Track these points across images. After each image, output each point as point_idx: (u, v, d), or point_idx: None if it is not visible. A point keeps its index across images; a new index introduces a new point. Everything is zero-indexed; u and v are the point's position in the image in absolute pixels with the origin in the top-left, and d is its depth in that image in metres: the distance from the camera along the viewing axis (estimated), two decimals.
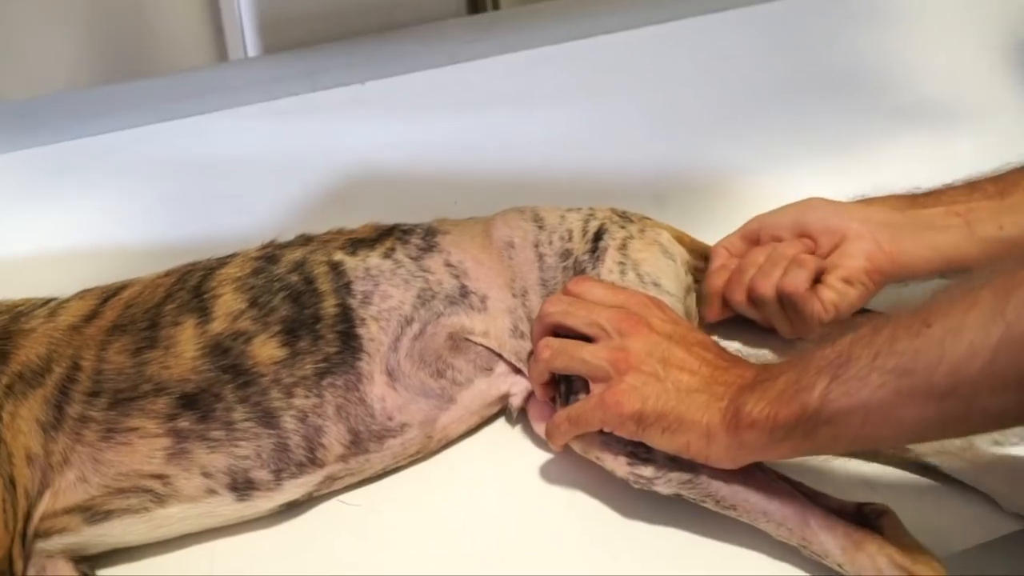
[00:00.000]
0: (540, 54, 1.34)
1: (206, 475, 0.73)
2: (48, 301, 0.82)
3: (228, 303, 0.79)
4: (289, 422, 0.75)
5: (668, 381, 0.69)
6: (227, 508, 0.74)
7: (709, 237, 0.93)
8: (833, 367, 0.61)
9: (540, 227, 0.87)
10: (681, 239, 0.91)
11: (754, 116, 1.21)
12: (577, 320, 0.75)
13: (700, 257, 0.92)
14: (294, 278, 0.81)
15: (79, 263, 1.02)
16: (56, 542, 0.71)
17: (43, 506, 0.71)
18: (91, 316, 0.79)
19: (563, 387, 0.77)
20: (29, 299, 0.82)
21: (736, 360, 0.72)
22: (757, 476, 0.70)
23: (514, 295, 0.84)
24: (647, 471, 0.72)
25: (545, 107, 1.24)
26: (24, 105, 1.30)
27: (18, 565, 0.69)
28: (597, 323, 0.74)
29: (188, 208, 1.11)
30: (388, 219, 0.89)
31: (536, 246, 0.86)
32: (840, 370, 0.60)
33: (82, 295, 0.83)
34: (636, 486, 0.73)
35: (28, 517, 0.70)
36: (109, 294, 0.82)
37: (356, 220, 0.89)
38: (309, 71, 1.28)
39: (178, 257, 0.87)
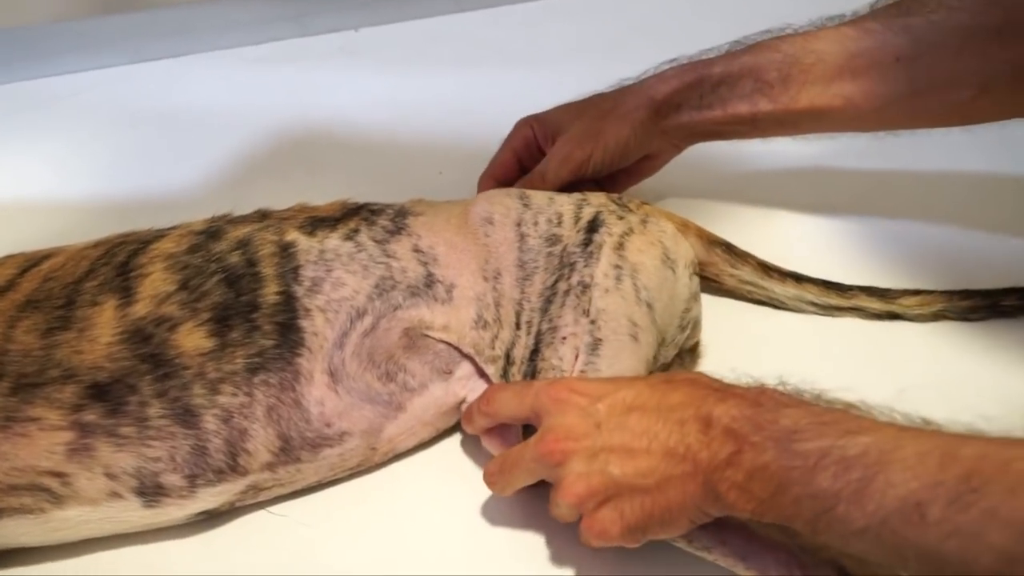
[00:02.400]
0: (555, 4, 1.29)
1: (110, 476, 0.70)
2: None
3: (155, 284, 0.75)
4: (210, 422, 0.72)
5: (627, 480, 0.64)
6: (133, 514, 0.71)
7: (719, 200, 0.92)
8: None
9: (526, 206, 0.83)
10: (686, 227, 0.87)
11: None
12: (511, 479, 0.71)
13: (710, 246, 0.88)
14: (234, 259, 0.77)
15: (15, 219, 1.00)
16: None
17: None
18: (6, 288, 0.76)
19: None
20: None
21: (689, 412, 0.64)
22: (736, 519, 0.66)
23: (485, 278, 0.79)
24: None
25: (556, 65, 1.19)
26: None
27: None
28: (529, 470, 0.70)
29: (147, 163, 1.08)
30: (364, 186, 0.86)
31: (518, 224, 0.82)
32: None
33: (2, 261, 0.80)
34: None
35: None
36: (31, 263, 0.79)
37: (330, 185, 0.87)
38: (298, 13, 1.24)
39: (129, 220, 0.84)
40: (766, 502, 0.58)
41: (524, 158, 0.96)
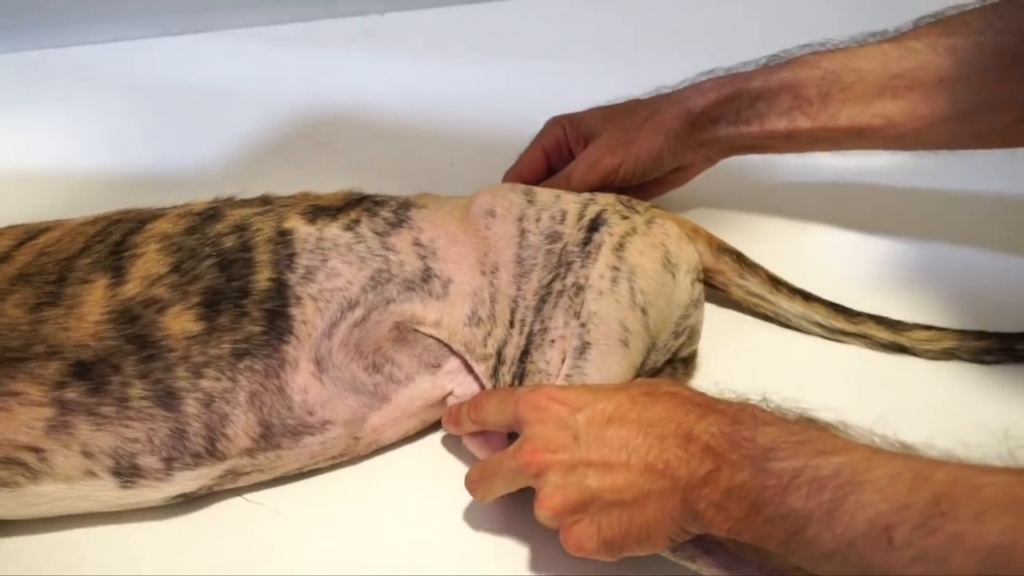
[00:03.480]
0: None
1: (87, 454, 0.71)
2: None
3: (147, 264, 0.76)
4: (191, 406, 0.72)
5: (605, 495, 0.64)
6: (107, 494, 0.72)
7: (737, 208, 0.90)
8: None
9: (530, 201, 0.83)
10: (696, 233, 0.86)
11: None
12: (492, 486, 0.71)
13: (719, 253, 0.87)
14: (229, 243, 0.78)
15: (26, 187, 1.01)
16: None
17: None
18: (1, 260, 0.77)
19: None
20: None
21: (669, 427, 0.64)
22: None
23: (483, 272, 0.79)
24: None
25: (579, 62, 1.18)
26: None
27: None
28: (510, 481, 0.69)
29: (161, 139, 1.09)
30: (375, 172, 0.86)
31: (520, 220, 0.81)
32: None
33: (2, 232, 0.81)
34: None
35: None
36: (29, 236, 0.79)
37: (342, 170, 0.87)
38: None
39: (138, 195, 0.85)
40: (742, 521, 0.58)
41: (553, 158, 0.95)
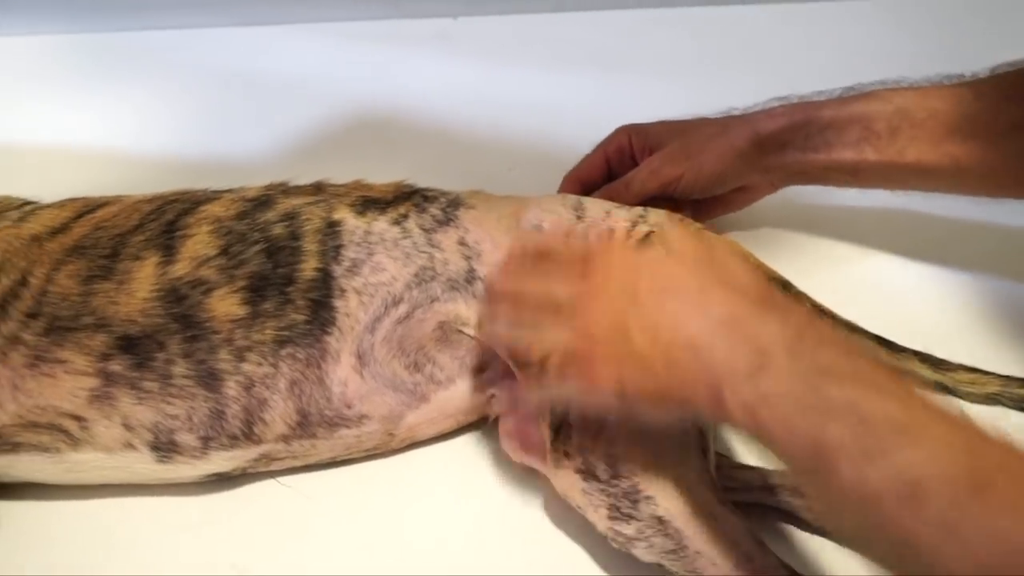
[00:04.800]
0: (659, 16, 1.28)
1: (127, 427, 0.73)
2: (26, 204, 0.83)
3: (197, 246, 0.78)
4: (232, 388, 0.74)
5: (641, 350, 0.62)
6: (145, 466, 0.74)
7: (791, 231, 0.91)
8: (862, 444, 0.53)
9: (579, 217, 0.83)
10: (745, 260, 0.85)
11: None
12: (524, 334, 0.69)
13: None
14: (278, 230, 0.79)
15: (93, 163, 1.04)
16: None
17: None
18: (59, 230, 0.79)
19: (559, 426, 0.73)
20: (9, 198, 0.83)
21: (727, 314, 0.61)
22: (754, 562, 0.66)
23: None
24: (628, 530, 0.68)
25: (649, 75, 1.19)
26: None
27: None
28: (550, 304, 0.67)
29: (227, 125, 1.12)
30: (433, 172, 0.87)
31: (567, 236, 0.81)
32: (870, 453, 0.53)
33: (62, 204, 0.83)
34: (615, 545, 0.69)
35: None
36: (87, 209, 0.81)
37: (400, 167, 0.87)
38: None
39: (199, 178, 0.86)
40: (765, 429, 0.56)
41: (615, 164, 0.96)
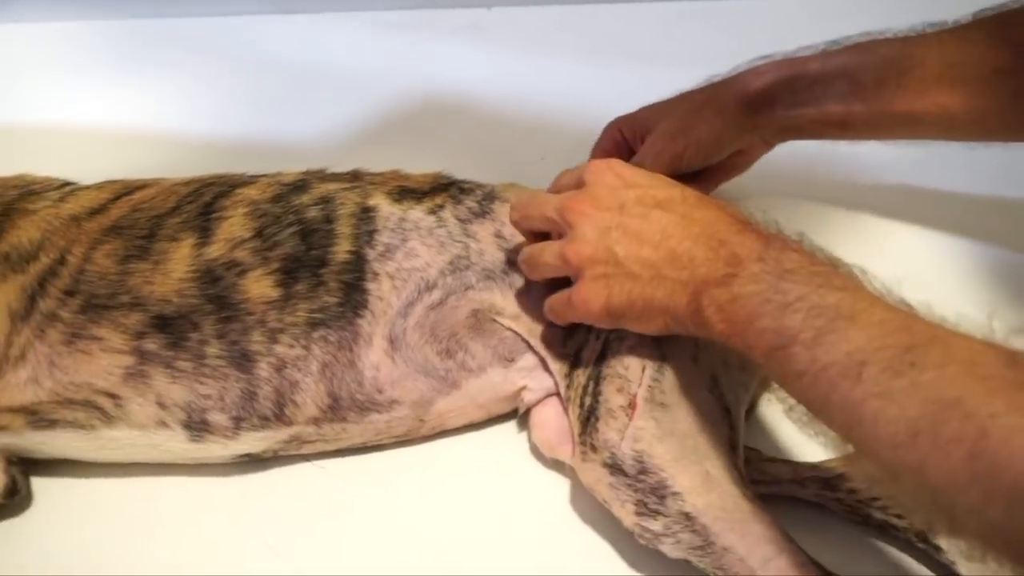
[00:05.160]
0: (694, 8, 1.28)
1: (161, 405, 0.74)
2: (66, 184, 0.84)
3: (233, 228, 0.78)
4: (264, 369, 0.74)
5: (627, 263, 0.69)
6: (177, 445, 0.75)
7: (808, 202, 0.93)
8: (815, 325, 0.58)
9: None
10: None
11: None
12: (533, 222, 0.76)
13: None
14: (313, 213, 0.79)
15: (133, 146, 1.05)
16: None
17: None
18: (97, 210, 0.80)
19: (591, 389, 0.74)
20: (50, 179, 0.85)
21: (708, 230, 0.67)
22: (782, 558, 0.65)
23: None
24: (655, 526, 0.68)
25: (681, 68, 1.17)
26: None
27: None
28: (548, 218, 0.74)
29: (265, 112, 1.13)
30: (466, 161, 0.87)
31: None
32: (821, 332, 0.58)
33: (101, 186, 0.84)
34: (642, 541, 0.69)
35: None
36: (125, 191, 0.82)
37: (434, 155, 0.88)
38: None
39: (236, 163, 0.87)
40: (737, 325, 0.62)
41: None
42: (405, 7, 1.26)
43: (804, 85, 0.88)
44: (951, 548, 0.70)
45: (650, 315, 0.68)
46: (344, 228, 0.79)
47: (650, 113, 0.94)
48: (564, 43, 1.24)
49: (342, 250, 0.78)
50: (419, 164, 0.87)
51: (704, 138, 0.90)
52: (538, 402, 0.79)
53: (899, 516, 0.72)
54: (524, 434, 0.80)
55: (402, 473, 0.78)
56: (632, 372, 0.73)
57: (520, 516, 0.76)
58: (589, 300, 0.70)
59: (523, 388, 0.80)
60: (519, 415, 0.81)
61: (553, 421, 0.77)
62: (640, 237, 0.69)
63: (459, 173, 0.87)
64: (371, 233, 0.79)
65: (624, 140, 0.95)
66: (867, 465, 0.75)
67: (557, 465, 0.77)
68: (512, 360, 0.79)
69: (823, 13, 1.27)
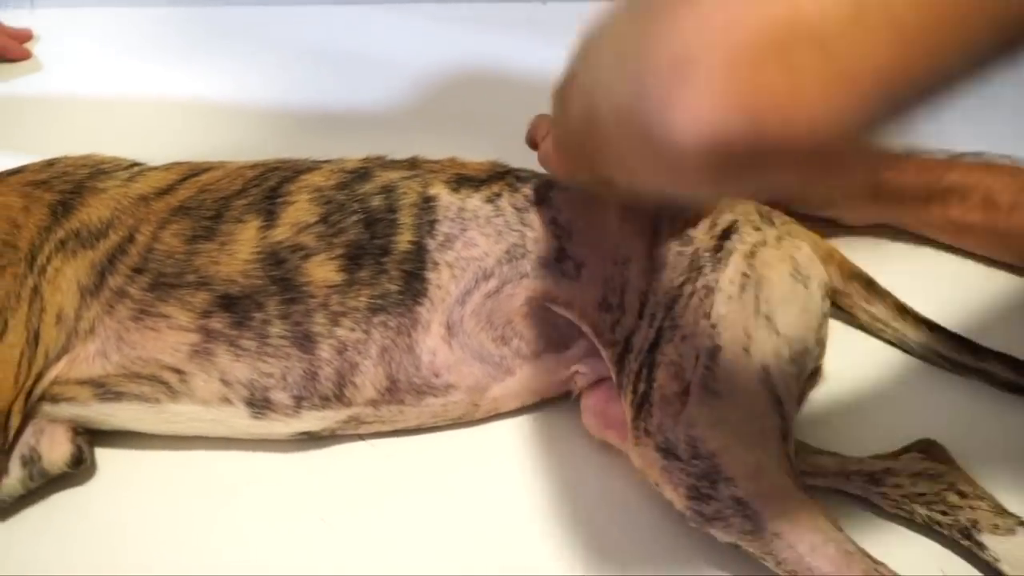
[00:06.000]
0: None
1: (224, 382, 0.76)
2: (134, 165, 0.86)
3: (298, 212, 0.80)
4: (325, 351, 0.76)
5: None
6: (239, 421, 0.77)
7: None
8: None
9: None
10: (830, 256, 0.86)
11: None
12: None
13: (849, 279, 0.87)
14: (376, 202, 0.81)
15: (197, 129, 1.08)
16: (64, 409, 0.75)
17: (57, 370, 0.75)
18: (165, 191, 0.82)
19: (644, 375, 0.75)
20: (118, 159, 0.86)
21: None
22: (830, 546, 0.66)
23: (615, 262, 0.80)
24: (707, 510, 0.69)
25: None
26: None
27: (15, 420, 0.73)
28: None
29: (324, 98, 1.15)
30: (517, 153, 0.88)
31: (654, 218, 0.83)
32: None
33: (169, 167, 0.85)
34: (693, 524, 0.70)
35: (40, 377, 0.74)
36: (193, 172, 0.84)
37: (488, 145, 0.89)
38: None
39: (297, 147, 0.89)
40: None
41: None
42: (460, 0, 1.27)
43: (939, 191, 0.93)
44: (995, 546, 0.71)
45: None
46: (406, 218, 0.80)
47: None
48: None
49: (404, 240, 0.79)
50: (473, 154, 0.89)
51: (819, 194, 0.94)
52: (589, 386, 0.81)
53: (943, 513, 0.73)
54: (575, 417, 0.81)
55: (453, 453, 0.80)
56: (687, 360, 0.74)
57: (570, 498, 0.77)
58: (564, 175, 0.77)
59: (575, 372, 0.81)
60: (572, 398, 0.82)
61: (605, 405, 0.79)
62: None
63: (513, 163, 0.88)
64: (432, 223, 0.80)
65: None
66: (913, 462, 0.76)
67: (608, 448, 0.79)
68: (565, 346, 0.81)
69: None
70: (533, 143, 0.84)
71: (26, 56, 1.29)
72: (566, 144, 0.69)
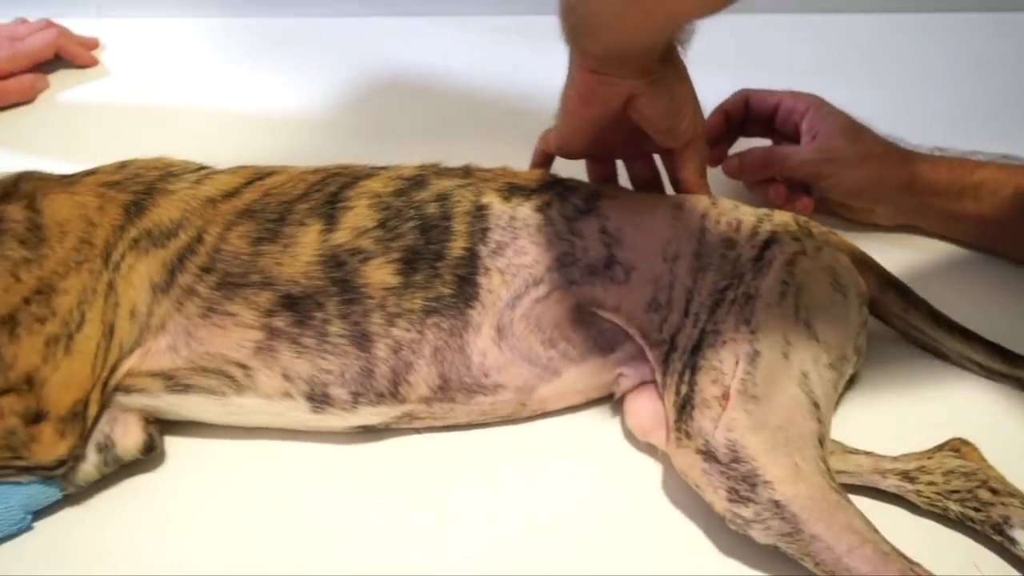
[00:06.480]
0: (798, 21, 1.34)
1: (286, 377, 0.79)
2: (202, 168, 0.89)
3: (358, 217, 0.83)
4: (382, 350, 0.80)
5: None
6: (300, 415, 0.80)
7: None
8: None
9: (713, 203, 0.87)
10: (865, 264, 0.88)
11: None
12: None
13: (885, 287, 0.89)
14: (432, 209, 0.84)
15: (262, 135, 1.14)
16: (135, 400, 0.79)
17: (130, 363, 0.79)
18: (231, 194, 0.85)
19: (687, 378, 0.77)
20: (187, 162, 0.90)
21: None
22: (867, 547, 0.68)
23: (665, 259, 0.83)
24: (747, 512, 0.71)
25: (775, 77, 1.22)
26: None
27: (93, 409, 0.77)
28: None
29: (378, 107, 1.19)
30: (563, 162, 0.92)
31: (703, 216, 0.85)
32: None
33: (235, 170, 0.89)
34: (732, 527, 0.72)
35: (114, 369, 0.78)
36: (257, 176, 0.88)
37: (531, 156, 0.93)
38: None
39: (354, 154, 0.93)
40: None
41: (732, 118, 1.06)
42: (514, 12, 1.30)
43: (971, 187, 0.96)
44: None
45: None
46: (460, 226, 0.83)
47: (838, 123, 1.00)
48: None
49: (458, 246, 0.82)
50: (521, 164, 0.92)
51: (854, 186, 0.99)
52: (633, 388, 0.83)
53: (975, 509, 0.75)
54: (618, 418, 0.84)
55: (502, 449, 0.82)
56: (726, 365, 0.76)
57: (611, 496, 0.79)
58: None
59: (619, 375, 0.83)
60: (614, 399, 0.85)
61: (647, 407, 0.81)
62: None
63: (562, 173, 0.91)
64: (484, 231, 0.83)
65: (745, 109, 1.04)
66: (946, 460, 0.78)
67: (649, 449, 0.81)
68: (611, 349, 0.83)
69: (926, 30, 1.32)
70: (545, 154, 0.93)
71: (94, 63, 1.35)
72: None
